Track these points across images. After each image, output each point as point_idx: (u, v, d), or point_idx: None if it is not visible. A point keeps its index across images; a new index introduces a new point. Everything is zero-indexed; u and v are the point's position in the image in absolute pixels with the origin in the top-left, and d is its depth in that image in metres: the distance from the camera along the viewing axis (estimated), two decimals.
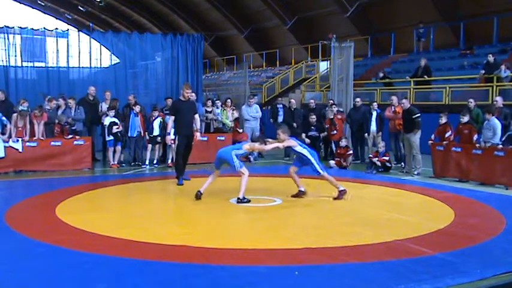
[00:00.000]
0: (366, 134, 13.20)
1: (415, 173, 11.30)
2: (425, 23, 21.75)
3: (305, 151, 8.42)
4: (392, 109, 12.60)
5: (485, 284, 4.64)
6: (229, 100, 14.38)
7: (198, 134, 10.29)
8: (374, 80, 19.40)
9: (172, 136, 10.33)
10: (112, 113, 12.23)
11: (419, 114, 11.34)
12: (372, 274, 4.76)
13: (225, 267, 4.92)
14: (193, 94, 14.40)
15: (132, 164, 12.53)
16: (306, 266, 5.00)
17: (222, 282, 4.56)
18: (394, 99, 12.75)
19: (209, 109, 14.20)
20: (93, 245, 5.63)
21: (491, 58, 15.19)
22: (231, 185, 8.59)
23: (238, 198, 7.94)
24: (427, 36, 21.90)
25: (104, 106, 12.94)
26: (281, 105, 15.01)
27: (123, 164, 12.44)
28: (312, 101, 15.27)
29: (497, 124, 10.18)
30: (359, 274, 4.81)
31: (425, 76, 16.65)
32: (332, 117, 13.60)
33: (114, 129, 12.07)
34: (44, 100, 12.49)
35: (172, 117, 9.88)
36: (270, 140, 8.72)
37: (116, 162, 12.25)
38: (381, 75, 19.06)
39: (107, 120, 12.15)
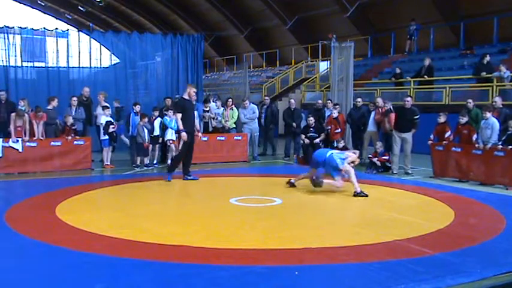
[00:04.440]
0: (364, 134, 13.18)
1: (409, 171, 11.37)
2: (420, 22, 21.58)
3: None
4: (380, 111, 12.58)
5: (485, 284, 4.63)
6: (230, 100, 14.35)
7: (200, 134, 11.06)
8: (388, 78, 18.76)
9: (184, 134, 9.98)
10: (108, 111, 12.22)
11: (419, 116, 11.44)
12: (372, 274, 4.75)
13: (225, 267, 4.91)
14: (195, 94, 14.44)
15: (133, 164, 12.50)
16: (306, 266, 5.00)
17: (222, 282, 4.55)
18: (379, 101, 12.76)
19: (206, 108, 14.16)
20: (93, 245, 5.63)
21: (487, 58, 15.19)
22: (231, 185, 8.58)
23: (355, 192, 8.61)
24: (423, 36, 21.74)
25: (99, 109, 12.81)
26: (265, 107, 15.23)
27: (136, 166, 12.17)
28: (319, 101, 15.18)
29: (496, 122, 10.18)
30: (359, 274, 4.81)
31: (426, 76, 16.61)
32: (337, 115, 13.52)
33: (111, 128, 12.05)
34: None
35: (180, 115, 10.02)
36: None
37: (108, 163, 12.20)
38: (398, 70, 18.04)
39: (103, 119, 12.11)
